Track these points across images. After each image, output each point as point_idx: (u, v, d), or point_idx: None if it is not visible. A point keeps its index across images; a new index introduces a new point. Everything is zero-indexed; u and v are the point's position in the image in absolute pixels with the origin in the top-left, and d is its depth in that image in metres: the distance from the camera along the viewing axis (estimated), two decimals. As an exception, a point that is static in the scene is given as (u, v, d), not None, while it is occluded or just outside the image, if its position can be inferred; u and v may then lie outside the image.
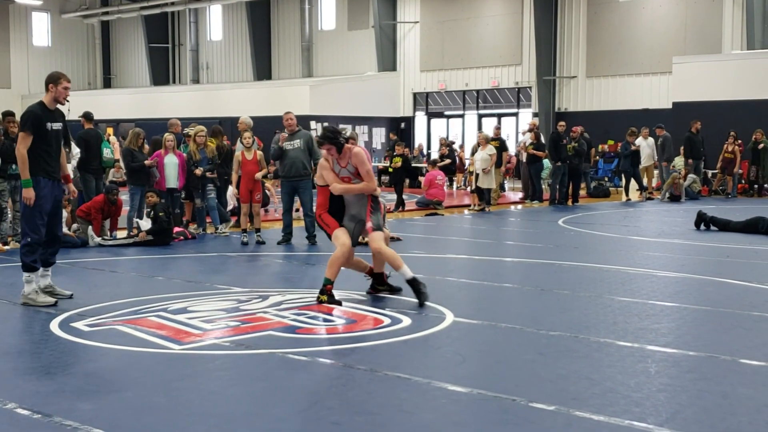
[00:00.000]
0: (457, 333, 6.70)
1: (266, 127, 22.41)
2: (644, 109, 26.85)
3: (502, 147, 20.26)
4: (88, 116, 13.83)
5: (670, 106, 25.27)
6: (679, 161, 22.47)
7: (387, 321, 7.07)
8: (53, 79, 8.09)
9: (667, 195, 20.49)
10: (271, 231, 13.75)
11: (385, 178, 25.22)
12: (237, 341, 6.40)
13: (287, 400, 5.02)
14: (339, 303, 7.69)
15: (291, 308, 7.60)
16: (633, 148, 20.82)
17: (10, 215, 12.00)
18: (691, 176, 21.43)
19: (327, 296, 7.73)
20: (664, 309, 7.67)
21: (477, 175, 18.26)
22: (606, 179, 24.96)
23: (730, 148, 21.42)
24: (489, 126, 31.50)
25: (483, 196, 18.28)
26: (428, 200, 18.63)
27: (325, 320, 7.23)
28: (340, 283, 8.85)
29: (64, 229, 12.12)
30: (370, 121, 31.83)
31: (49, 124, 7.92)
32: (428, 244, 13.17)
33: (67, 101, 8.21)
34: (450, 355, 6.05)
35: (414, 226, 15.39)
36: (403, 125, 33.35)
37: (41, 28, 41.41)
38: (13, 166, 11.79)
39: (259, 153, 12.90)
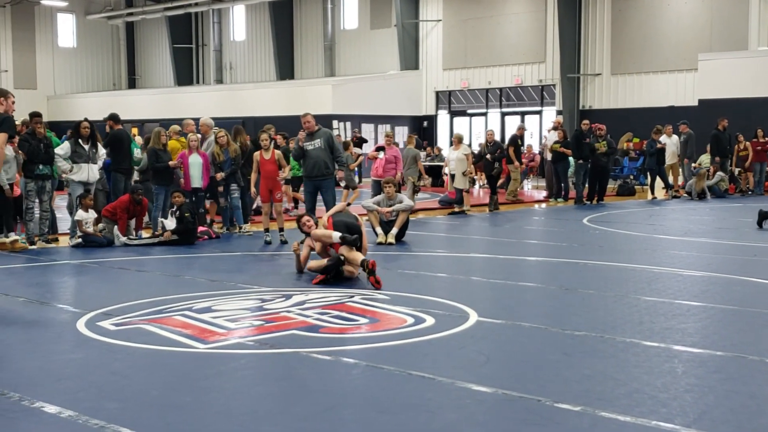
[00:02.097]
0: (481, 333, 6.68)
1: (288, 126, 22.41)
2: (670, 107, 26.64)
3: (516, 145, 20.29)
4: (115, 118, 13.91)
5: (696, 104, 25.09)
6: (705, 159, 22.27)
7: (410, 320, 7.06)
8: (3, 94, 8.40)
9: (696, 193, 20.35)
10: (295, 230, 13.73)
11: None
12: (261, 340, 6.41)
13: (311, 399, 5.02)
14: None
15: (314, 307, 7.61)
16: (659, 146, 20.68)
17: (36, 214, 12.09)
18: (719, 174, 21.23)
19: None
20: (690, 309, 7.60)
21: (453, 176, 17.44)
22: (631, 177, 24.80)
23: (742, 146, 21.36)
24: (512, 124, 31.50)
25: (458, 197, 17.28)
26: (451, 199, 18.56)
27: (349, 320, 7.22)
28: (363, 283, 8.86)
29: (90, 229, 12.23)
30: (393, 120, 31.81)
31: None
32: (451, 243, 13.14)
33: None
34: (474, 354, 6.02)
35: (437, 225, 15.36)
36: (425, 124, 33.32)
37: (66, 29, 41.74)
38: (40, 167, 11.90)
39: (278, 152, 12.91)
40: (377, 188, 15.31)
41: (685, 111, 25.09)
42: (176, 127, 14.94)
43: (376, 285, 8.53)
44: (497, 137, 30.64)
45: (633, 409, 4.72)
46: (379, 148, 16.89)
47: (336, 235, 9.05)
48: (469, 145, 18.65)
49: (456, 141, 17.58)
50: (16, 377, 5.49)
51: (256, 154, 13.08)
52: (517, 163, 20.26)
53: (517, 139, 20.76)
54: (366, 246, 9.48)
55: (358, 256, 8.94)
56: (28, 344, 6.49)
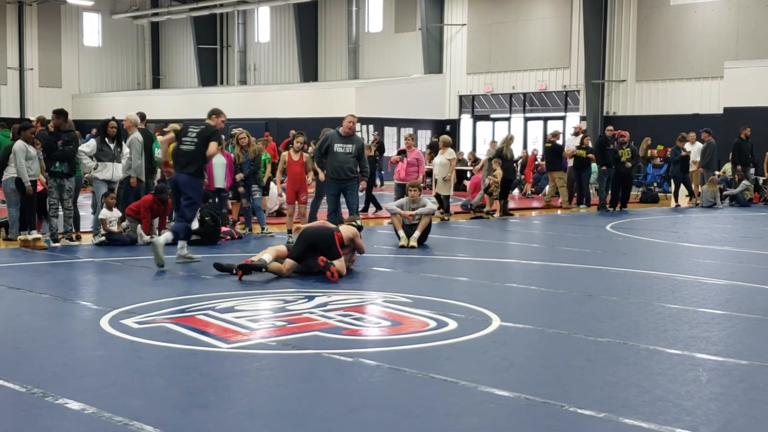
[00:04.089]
0: (504, 337, 6.66)
1: (312, 128, 22.48)
2: (694, 114, 26.45)
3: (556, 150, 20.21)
4: (140, 116, 14.00)
5: (721, 112, 24.90)
6: (729, 167, 22.12)
7: (433, 324, 7.05)
8: (215, 113, 10.60)
9: (708, 201, 20.24)
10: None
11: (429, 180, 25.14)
12: (283, 341, 6.42)
13: (333, 400, 5.02)
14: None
15: (337, 309, 7.61)
16: (683, 153, 20.55)
17: (60, 212, 12.18)
18: (744, 183, 21.08)
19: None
20: (714, 317, 7.54)
21: (436, 181, 16.98)
22: (655, 184, 24.66)
23: None
24: (536, 129, 31.41)
25: (442, 203, 16.67)
26: (473, 203, 18.52)
27: (371, 322, 7.22)
28: (385, 285, 8.86)
29: (114, 227, 12.30)
30: (416, 124, 31.80)
31: None
32: (473, 247, 13.11)
33: None
34: (497, 359, 6.00)
35: (459, 230, 15.33)
36: (448, 128, 33.28)
37: (92, 28, 42.00)
38: (56, 164, 11.96)
39: (306, 155, 12.95)
40: (400, 191, 15.30)
41: (709, 119, 24.90)
42: (175, 126, 14.88)
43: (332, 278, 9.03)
44: (520, 142, 30.68)
45: (657, 417, 4.69)
46: (401, 152, 16.81)
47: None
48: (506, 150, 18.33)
49: (442, 145, 17.03)
50: (40, 373, 5.53)
51: (285, 154, 13.15)
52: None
53: (558, 147, 20.63)
54: (343, 266, 9.45)
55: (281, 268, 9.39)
56: (52, 341, 6.54)
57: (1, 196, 14.46)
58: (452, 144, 17.40)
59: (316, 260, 9.31)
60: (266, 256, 9.40)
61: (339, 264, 9.28)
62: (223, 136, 13.67)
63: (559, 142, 20.78)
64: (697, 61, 27.01)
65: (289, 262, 9.39)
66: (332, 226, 9.94)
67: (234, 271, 9.30)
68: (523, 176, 25.12)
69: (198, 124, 10.76)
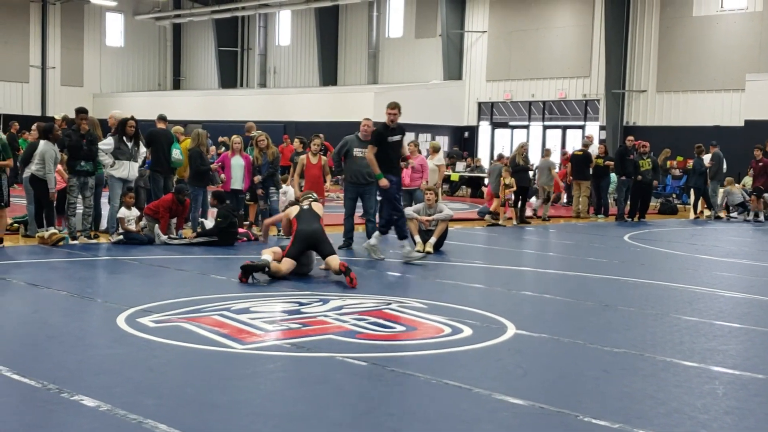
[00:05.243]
0: (519, 345, 6.63)
1: (330, 131, 22.52)
2: (715, 126, 26.31)
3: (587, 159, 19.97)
4: (161, 117, 14.10)
5: (742, 124, 24.76)
6: (748, 181, 21.97)
7: (447, 330, 7.03)
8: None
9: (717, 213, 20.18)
10: (332, 236, 13.77)
11: (445, 187, 25.13)
12: (297, 343, 6.42)
13: (346, 404, 5.02)
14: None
15: (351, 313, 7.61)
16: (707, 164, 20.39)
17: (80, 210, 12.23)
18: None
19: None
20: (732, 330, 7.49)
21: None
22: (674, 196, 24.52)
23: None
24: (554, 137, 31.30)
25: None
26: (490, 210, 18.46)
27: (386, 327, 7.21)
28: (400, 290, 8.86)
29: (132, 226, 12.35)
30: (434, 130, 31.76)
31: None
32: (490, 254, 13.08)
33: None
34: (512, 367, 5.98)
35: (475, 237, 15.30)
36: (466, 134, 33.25)
37: (115, 28, 42.24)
38: (82, 163, 12.02)
39: (324, 158, 12.97)
40: (408, 198, 15.10)
41: (730, 131, 24.79)
42: (180, 128, 15.02)
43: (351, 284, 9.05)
44: (538, 150, 30.58)
45: (672, 429, 4.66)
46: (404, 159, 16.44)
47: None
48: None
49: (432, 150, 16.86)
50: (56, 370, 5.55)
51: (303, 157, 13.17)
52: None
53: (589, 155, 20.15)
54: (337, 259, 9.60)
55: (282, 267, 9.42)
56: (68, 337, 6.57)
57: (22, 193, 14.54)
58: (438, 149, 17.17)
59: (309, 258, 9.67)
60: (266, 256, 9.43)
61: (334, 259, 9.47)
62: (238, 138, 13.72)
63: (590, 150, 20.46)
64: (719, 73, 26.87)
65: (288, 262, 9.45)
66: (314, 214, 9.92)
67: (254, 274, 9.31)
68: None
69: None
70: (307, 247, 9.62)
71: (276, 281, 9.24)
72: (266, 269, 9.26)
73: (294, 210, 9.98)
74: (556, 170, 19.71)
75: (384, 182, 11.09)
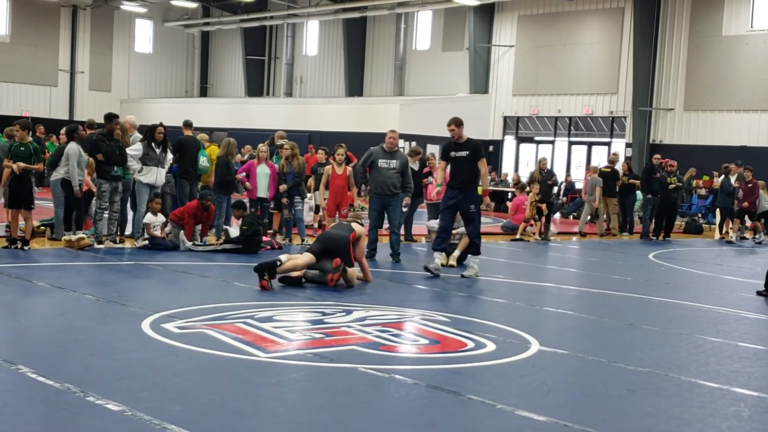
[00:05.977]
0: (543, 362, 6.60)
1: (355, 142, 22.58)
2: (742, 146, 26.13)
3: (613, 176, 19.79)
4: (187, 123, 14.20)
5: (770, 145, 24.60)
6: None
7: (471, 345, 7.01)
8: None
9: (741, 235, 19.98)
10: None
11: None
12: (320, 353, 6.43)
13: (369, 415, 5.01)
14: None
15: (374, 324, 7.61)
16: (736, 184, 20.22)
17: (106, 214, 12.31)
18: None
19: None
20: (757, 353, 7.42)
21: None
22: (699, 215, 24.35)
23: None
24: (580, 154, 31.17)
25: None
26: (514, 225, 18.43)
27: (409, 339, 7.20)
28: (423, 303, 8.85)
29: (157, 232, 12.43)
30: (459, 143, 31.70)
31: None
32: (514, 269, 13.04)
33: None
34: (536, 384, 5.95)
35: (499, 251, 15.26)
36: (491, 148, 33.20)
37: (144, 35, 42.61)
38: (114, 168, 12.14)
39: (349, 169, 13.01)
40: (434, 211, 15.10)
41: (757, 152, 24.60)
42: (204, 136, 15.16)
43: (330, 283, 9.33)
44: (563, 166, 30.50)
45: (698, 452, 4.62)
46: (427, 174, 16.38)
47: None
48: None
49: (413, 153, 16.41)
50: (81, 373, 5.58)
51: (328, 168, 13.22)
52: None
53: (616, 172, 19.94)
54: (354, 274, 9.79)
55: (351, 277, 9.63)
56: (94, 341, 6.61)
57: (48, 196, 14.67)
58: (420, 153, 16.75)
59: (329, 263, 9.55)
60: (282, 257, 9.51)
61: (351, 272, 9.53)
62: (265, 147, 13.79)
63: (617, 167, 20.27)
64: (747, 93, 26.70)
65: (307, 255, 9.56)
66: (348, 226, 10.08)
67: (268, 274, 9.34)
68: (565, 199, 24.93)
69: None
70: (326, 247, 9.65)
71: (300, 289, 9.26)
72: (278, 263, 9.28)
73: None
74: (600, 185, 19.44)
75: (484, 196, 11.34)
